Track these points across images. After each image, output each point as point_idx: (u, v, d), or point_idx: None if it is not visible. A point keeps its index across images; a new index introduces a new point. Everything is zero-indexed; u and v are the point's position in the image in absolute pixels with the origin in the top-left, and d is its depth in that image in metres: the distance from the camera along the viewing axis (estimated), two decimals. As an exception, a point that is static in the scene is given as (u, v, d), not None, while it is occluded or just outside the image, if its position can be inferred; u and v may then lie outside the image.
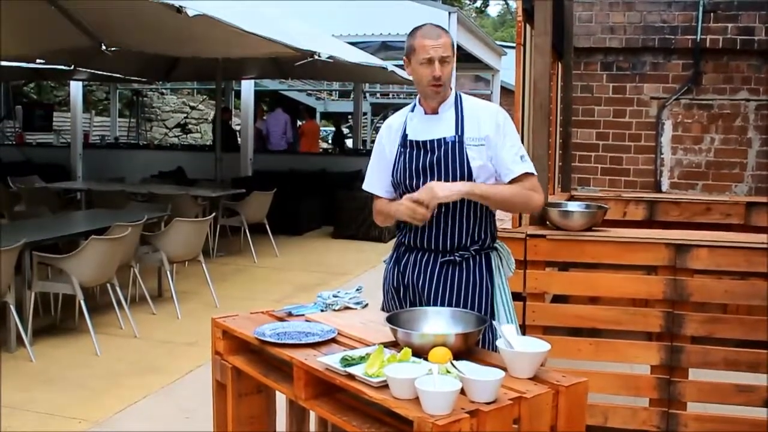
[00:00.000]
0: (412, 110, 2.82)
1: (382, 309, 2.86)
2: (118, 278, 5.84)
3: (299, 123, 15.73)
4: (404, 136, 2.78)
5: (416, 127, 2.77)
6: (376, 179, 2.91)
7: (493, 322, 2.40)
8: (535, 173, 2.73)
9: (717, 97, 6.77)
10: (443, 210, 2.66)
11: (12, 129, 17.48)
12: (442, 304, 2.66)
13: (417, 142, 2.73)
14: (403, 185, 2.76)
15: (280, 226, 9.91)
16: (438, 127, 2.72)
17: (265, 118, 15.00)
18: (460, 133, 2.68)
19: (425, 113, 2.77)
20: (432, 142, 2.70)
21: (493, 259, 2.75)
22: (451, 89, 2.77)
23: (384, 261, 2.93)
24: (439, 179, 2.64)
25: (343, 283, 7.46)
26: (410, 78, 2.78)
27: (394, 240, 2.90)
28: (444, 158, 2.66)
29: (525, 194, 2.67)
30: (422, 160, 2.70)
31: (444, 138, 2.68)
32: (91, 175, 12.76)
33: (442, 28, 2.71)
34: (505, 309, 2.73)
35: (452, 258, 2.69)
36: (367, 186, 2.95)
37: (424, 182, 2.65)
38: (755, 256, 3.30)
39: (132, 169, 12.73)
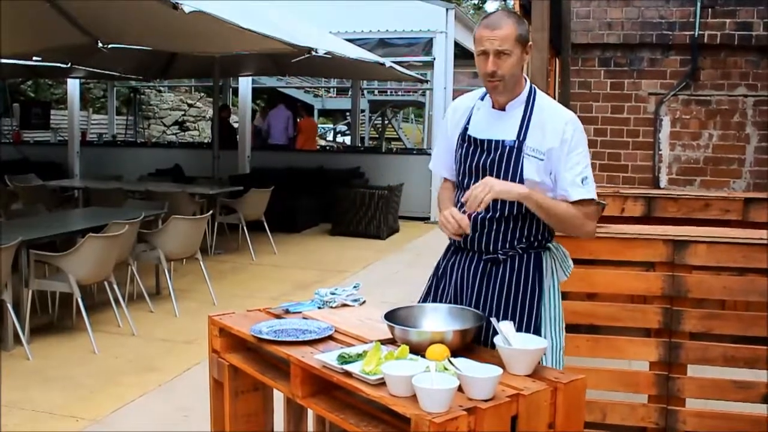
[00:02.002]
0: (482, 98, 2.62)
1: (421, 300, 2.73)
2: (116, 276, 5.83)
3: (297, 120, 15.71)
4: (465, 128, 2.60)
5: (479, 122, 2.59)
6: (441, 161, 2.76)
7: (491, 319, 2.33)
8: (596, 199, 2.51)
9: (715, 92, 6.77)
10: (491, 211, 2.49)
11: (9, 127, 17.45)
12: (484, 305, 2.51)
13: (475, 139, 2.56)
14: (456, 180, 2.66)
15: (278, 223, 9.90)
16: (500, 127, 2.52)
17: (267, 116, 14.98)
18: (521, 139, 2.47)
19: (492, 107, 2.57)
20: (490, 142, 2.51)
21: (544, 259, 2.55)
22: (524, 85, 2.53)
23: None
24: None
25: (340, 280, 7.46)
26: (409, 74, 2.71)
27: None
28: (498, 162, 2.47)
29: (580, 220, 2.47)
30: (476, 160, 2.54)
31: (503, 141, 2.48)
32: (88, 173, 12.75)
33: (515, 17, 2.47)
34: (552, 317, 2.55)
35: (495, 257, 2.52)
36: (432, 166, 2.81)
37: (475, 182, 2.44)
38: (753, 252, 3.29)
39: (129, 166, 12.71)
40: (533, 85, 2.57)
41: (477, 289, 2.54)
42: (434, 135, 12.80)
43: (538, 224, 2.53)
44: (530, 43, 2.49)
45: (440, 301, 2.64)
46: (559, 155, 2.45)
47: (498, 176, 2.45)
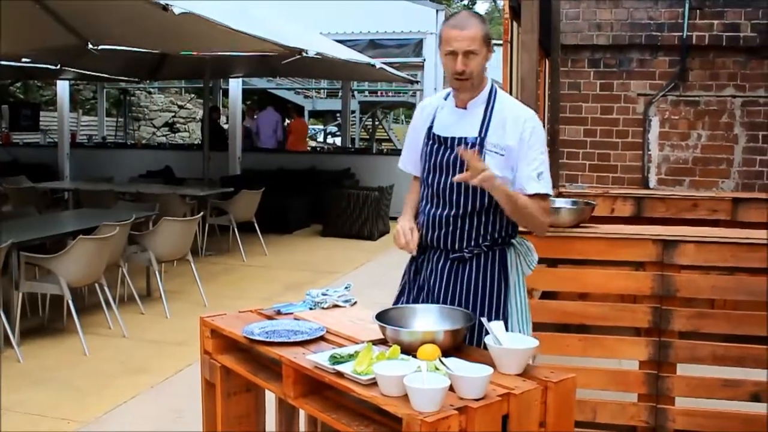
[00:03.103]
0: (446, 98, 2.71)
1: (394, 303, 2.78)
2: (107, 278, 5.81)
3: (287, 121, 15.71)
4: (430, 127, 2.69)
5: (443, 120, 2.67)
6: (410, 159, 2.83)
7: (482, 319, 2.37)
8: (551, 194, 2.61)
9: (703, 93, 6.82)
10: (454, 208, 2.59)
11: (-2, 129, 17.37)
12: (453, 302, 2.58)
13: (439, 136, 2.64)
14: (421, 177, 2.73)
15: (269, 224, 9.89)
16: (463, 125, 2.61)
17: (255, 117, 14.98)
18: (482, 136, 2.55)
19: (455, 106, 2.66)
20: (453, 139, 2.60)
21: (509, 255, 2.64)
22: (485, 84, 2.62)
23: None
24: (455, 183, 2.55)
25: (332, 281, 7.46)
26: (400, 75, 2.74)
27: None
28: (461, 159, 2.51)
29: (533, 213, 2.54)
30: (441, 157, 2.62)
31: (465, 138, 2.56)
32: (78, 174, 12.70)
33: (478, 17, 2.58)
34: (518, 310, 2.62)
35: (462, 254, 2.60)
36: (401, 164, 2.88)
37: (441, 179, 2.59)
38: (742, 252, 3.31)
39: (120, 168, 12.68)
40: (494, 84, 2.66)
41: (445, 287, 2.62)
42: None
43: (501, 221, 2.61)
44: (492, 41, 2.59)
45: (414, 299, 2.72)
46: (518, 152, 2.54)
47: (462, 172, 2.51)
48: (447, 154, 2.61)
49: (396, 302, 2.79)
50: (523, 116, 2.58)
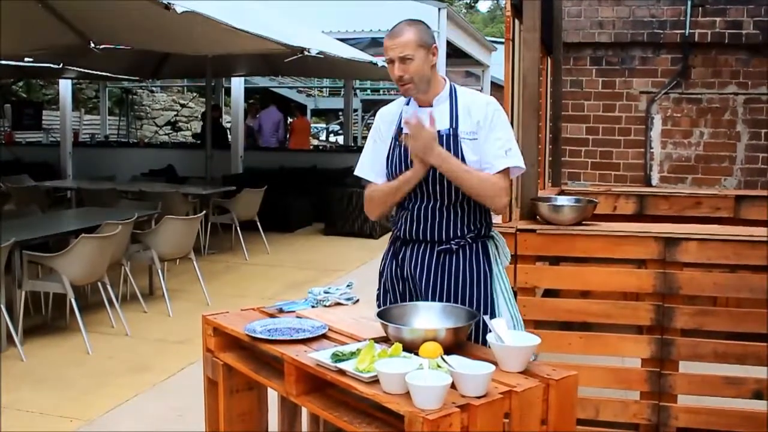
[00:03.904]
0: (407, 103, 2.77)
1: (378, 305, 2.82)
2: (109, 277, 5.83)
3: (290, 120, 15.72)
4: (399, 128, 2.72)
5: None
6: (370, 165, 2.83)
7: (484, 317, 2.40)
8: (522, 166, 2.70)
9: (706, 91, 6.80)
10: (438, 200, 2.65)
11: (1, 128, 17.40)
12: (441, 294, 2.64)
13: None
14: (392, 179, 2.73)
15: (271, 223, 9.90)
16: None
17: (258, 115, 14.98)
18: (454, 126, 2.64)
19: (419, 106, 2.72)
20: None
21: (490, 247, 2.74)
22: (444, 83, 2.72)
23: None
24: (435, 172, 2.60)
25: (334, 279, 7.46)
26: None
27: (389, 234, 2.87)
28: None
29: (494, 189, 2.61)
30: None
31: (439, 131, 2.60)
32: (81, 173, 12.72)
33: (415, 24, 2.67)
34: (505, 297, 2.70)
35: (449, 246, 2.67)
36: (359, 171, 2.88)
37: None
38: (744, 249, 3.31)
39: (122, 167, 12.68)
40: (452, 83, 2.75)
41: (433, 279, 2.68)
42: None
43: (481, 212, 2.71)
44: (435, 44, 2.67)
45: (401, 294, 2.77)
46: (484, 133, 2.64)
47: None
48: None
49: (380, 300, 2.84)
50: (484, 101, 2.70)
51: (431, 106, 2.70)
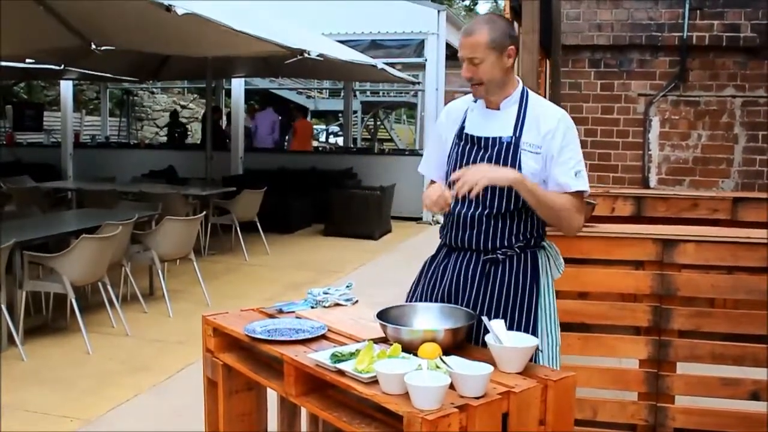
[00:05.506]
0: (475, 101, 2.65)
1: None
2: (110, 277, 5.84)
3: (289, 123, 15.72)
4: (462, 128, 2.64)
5: (475, 121, 2.62)
6: (433, 164, 2.76)
7: (482, 318, 2.36)
8: (588, 191, 2.55)
9: (703, 93, 6.83)
10: (488, 208, 2.53)
11: (2, 129, 17.41)
12: (482, 306, 2.51)
13: (472, 136, 2.59)
14: (449, 179, 2.63)
15: (271, 224, 9.92)
16: (496, 124, 2.56)
17: (254, 116, 15.00)
18: (517, 135, 2.51)
19: (486, 107, 2.61)
20: (487, 139, 2.55)
21: (540, 258, 2.58)
22: (516, 85, 2.58)
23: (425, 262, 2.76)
24: None
25: (333, 280, 7.47)
26: (401, 76, 2.72)
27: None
28: (496, 158, 2.50)
29: (570, 212, 2.50)
30: (474, 157, 2.56)
31: (500, 137, 2.52)
32: (81, 174, 12.73)
33: (489, 22, 2.50)
34: (548, 313, 2.56)
35: (494, 256, 2.53)
36: (422, 169, 2.82)
37: None
38: (741, 251, 3.33)
39: (122, 168, 12.71)
40: (525, 86, 2.62)
41: (476, 289, 2.54)
42: (426, 136, 12.83)
43: (533, 221, 2.56)
44: (511, 46, 2.50)
45: (430, 301, 2.64)
46: (552, 150, 2.49)
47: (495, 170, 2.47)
48: (480, 154, 2.55)
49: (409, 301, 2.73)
50: (556, 115, 2.54)
51: (498, 108, 2.58)
